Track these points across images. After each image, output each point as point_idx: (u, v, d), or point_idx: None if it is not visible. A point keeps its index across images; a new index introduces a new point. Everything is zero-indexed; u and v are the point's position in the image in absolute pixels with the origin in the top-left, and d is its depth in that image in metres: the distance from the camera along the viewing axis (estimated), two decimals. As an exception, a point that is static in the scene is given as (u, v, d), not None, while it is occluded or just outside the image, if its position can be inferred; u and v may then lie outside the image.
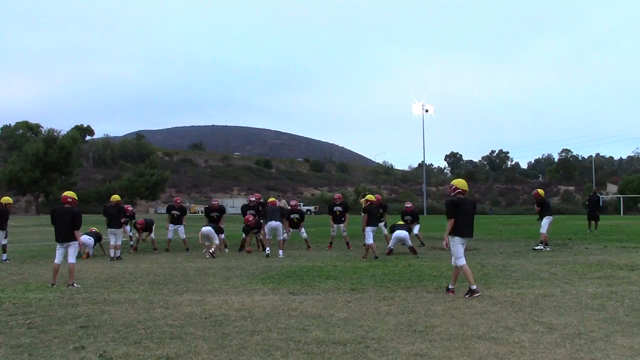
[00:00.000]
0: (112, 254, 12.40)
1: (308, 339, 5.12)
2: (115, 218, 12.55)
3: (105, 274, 9.81)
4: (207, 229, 12.99)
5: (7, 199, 12.70)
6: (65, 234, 8.65)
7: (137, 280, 9.07)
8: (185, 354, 4.68)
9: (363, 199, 18.45)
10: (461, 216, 7.34)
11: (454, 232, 7.37)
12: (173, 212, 14.83)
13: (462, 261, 7.35)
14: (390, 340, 5.07)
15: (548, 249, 13.16)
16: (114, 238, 12.48)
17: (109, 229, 12.54)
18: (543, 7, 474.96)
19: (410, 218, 15.39)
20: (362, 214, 12.69)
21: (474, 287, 7.20)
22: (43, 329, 5.61)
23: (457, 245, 7.38)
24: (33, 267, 11.12)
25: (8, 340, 5.18)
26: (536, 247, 13.37)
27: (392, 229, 13.40)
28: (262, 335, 5.28)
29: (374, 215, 12.27)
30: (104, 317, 6.19)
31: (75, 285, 8.41)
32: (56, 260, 8.69)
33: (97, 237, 13.60)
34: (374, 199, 13.04)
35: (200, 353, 4.70)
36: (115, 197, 13.45)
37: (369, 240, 11.91)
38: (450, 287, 7.56)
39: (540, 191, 14.32)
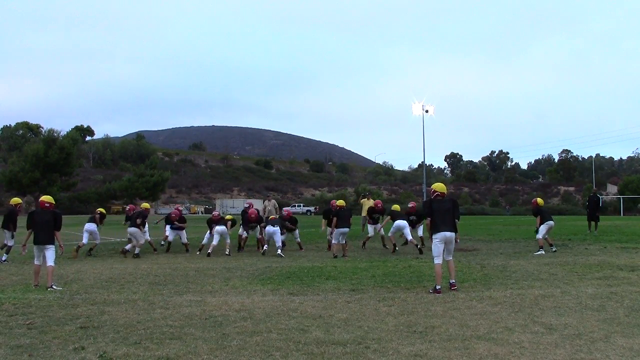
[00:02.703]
0: (128, 248, 13.41)
1: (308, 339, 5.13)
2: (134, 220, 13.70)
3: (105, 275, 9.81)
4: (221, 228, 13.46)
5: (16, 200, 13.19)
6: (45, 237, 8.55)
7: (137, 280, 9.07)
8: (185, 354, 4.68)
9: (364, 199, 18.52)
10: (437, 214, 7.91)
11: (433, 229, 7.91)
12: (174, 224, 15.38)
13: (437, 260, 7.82)
14: (390, 340, 5.07)
15: (542, 252, 12.90)
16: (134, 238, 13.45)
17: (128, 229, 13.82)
18: (543, 9, 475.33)
19: (415, 218, 14.94)
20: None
21: (439, 287, 7.64)
22: (43, 330, 5.61)
23: (436, 244, 7.87)
24: (33, 267, 11.10)
25: (8, 341, 5.18)
26: (536, 254, 12.99)
27: (392, 216, 13.61)
28: (262, 336, 5.28)
29: (342, 217, 12.76)
30: (104, 317, 6.19)
31: (55, 287, 8.21)
32: (36, 262, 8.63)
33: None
34: (344, 204, 13.31)
35: (200, 354, 4.70)
36: (145, 205, 15.34)
37: (334, 240, 12.69)
38: (451, 281, 7.83)
39: (539, 200, 13.85)
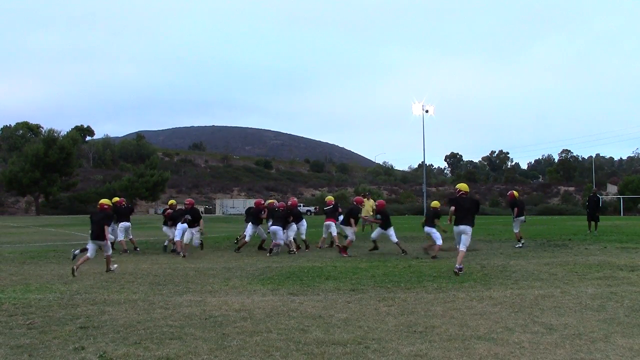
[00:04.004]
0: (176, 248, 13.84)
1: (308, 339, 5.13)
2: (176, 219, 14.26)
3: (105, 275, 9.80)
4: (274, 227, 13.43)
5: (171, 202, 14.88)
6: (96, 234, 9.90)
7: (137, 280, 9.07)
8: (185, 354, 4.68)
9: (364, 199, 18.50)
10: (459, 210, 9.71)
11: (455, 222, 9.71)
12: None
13: (460, 247, 9.57)
14: (390, 340, 5.07)
15: (523, 244, 14.55)
16: (171, 232, 14.11)
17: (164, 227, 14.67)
18: (543, 9, 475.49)
19: (380, 217, 13.23)
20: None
21: (458, 266, 9.21)
22: (43, 330, 5.61)
23: (455, 234, 9.79)
24: (33, 267, 11.11)
25: (8, 341, 5.18)
26: (517, 246, 14.54)
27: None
28: (262, 336, 5.28)
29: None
30: (104, 317, 6.19)
31: (113, 268, 9.96)
32: (89, 254, 9.94)
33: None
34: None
35: (200, 354, 4.70)
36: (172, 202, 15.17)
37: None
38: (457, 266, 9.16)
39: (515, 193, 15.73)
